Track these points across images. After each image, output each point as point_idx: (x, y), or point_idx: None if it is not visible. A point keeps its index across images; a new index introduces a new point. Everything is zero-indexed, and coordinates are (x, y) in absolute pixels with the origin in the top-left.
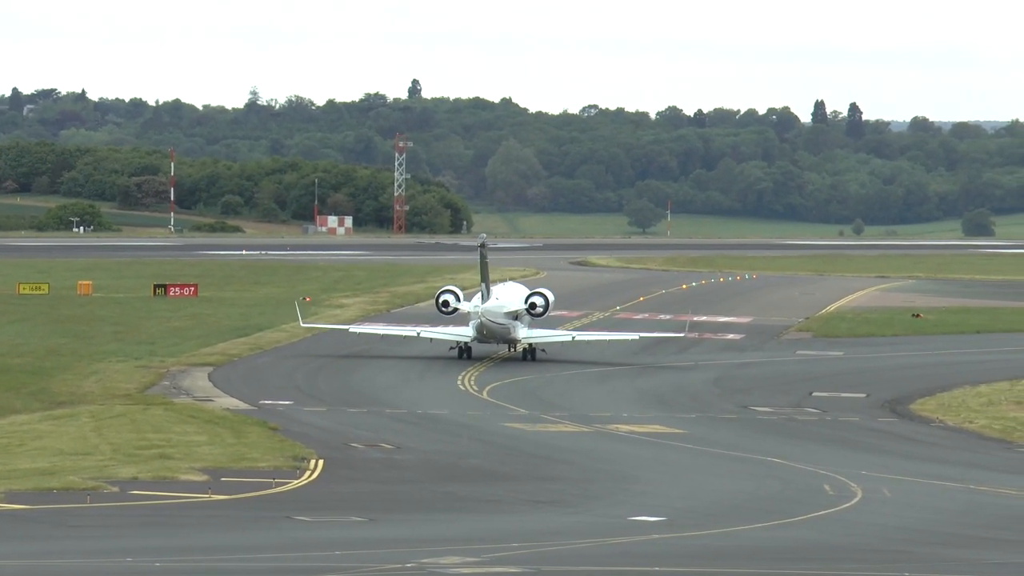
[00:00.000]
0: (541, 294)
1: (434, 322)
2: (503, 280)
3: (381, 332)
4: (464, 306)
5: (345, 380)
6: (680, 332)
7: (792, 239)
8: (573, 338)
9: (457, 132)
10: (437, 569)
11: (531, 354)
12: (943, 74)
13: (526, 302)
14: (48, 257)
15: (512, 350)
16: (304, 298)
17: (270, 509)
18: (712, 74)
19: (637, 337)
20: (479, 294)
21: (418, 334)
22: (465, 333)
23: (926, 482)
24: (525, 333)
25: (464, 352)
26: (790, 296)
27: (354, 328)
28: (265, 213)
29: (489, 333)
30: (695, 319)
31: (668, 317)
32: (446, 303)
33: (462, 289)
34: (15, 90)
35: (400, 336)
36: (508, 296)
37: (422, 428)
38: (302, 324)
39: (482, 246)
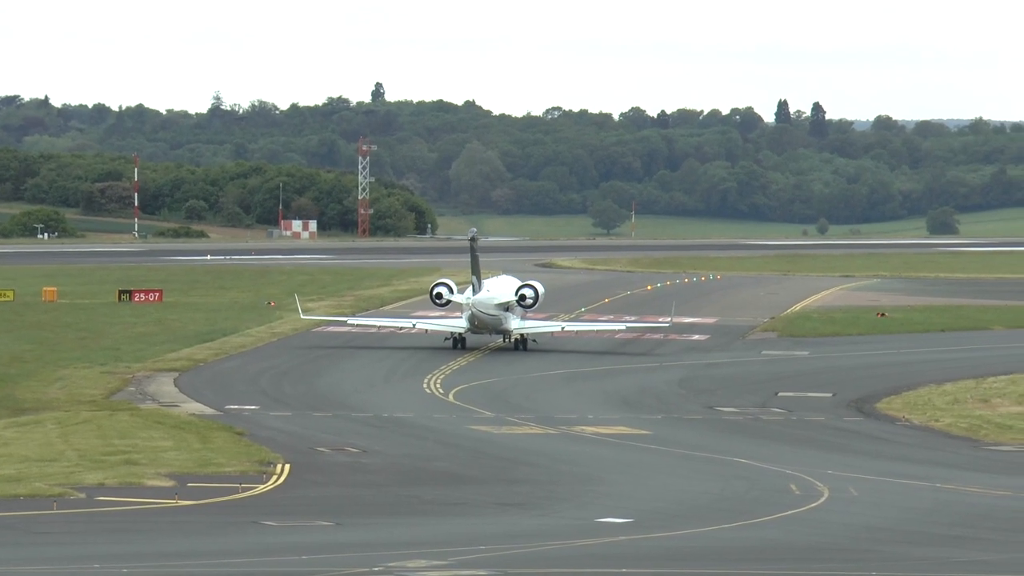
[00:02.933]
0: (531, 286)
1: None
2: (496, 274)
3: (378, 324)
4: (457, 298)
5: (311, 384)
6: (666, 321)
7: (756, 239)
8: (563, 328)
9: (421, 135)
10: (404, 573)
11: (523, 344)
12: (906, 73)
13: (516, 294)
14: (13, 264)
15: (505, 340)
16: (268, 302)
17: (237, 514)
18: (675, 75)
19: (624, 327)
20: (471, 286)
21: (414, 325)
22: (459, 324)
23: (892, 481)
24: (517, 324)
25: (459, 342)
26: (755, 296)
27: (352, 320)
28: (229, 218)
29: (481, 324)
30: (666, 320)
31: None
32: (439, 295)
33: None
34: None
35: (396, 327)
36: (499, 288)
37: (388, 431)
38: (302, 316)
39: (472, 240)
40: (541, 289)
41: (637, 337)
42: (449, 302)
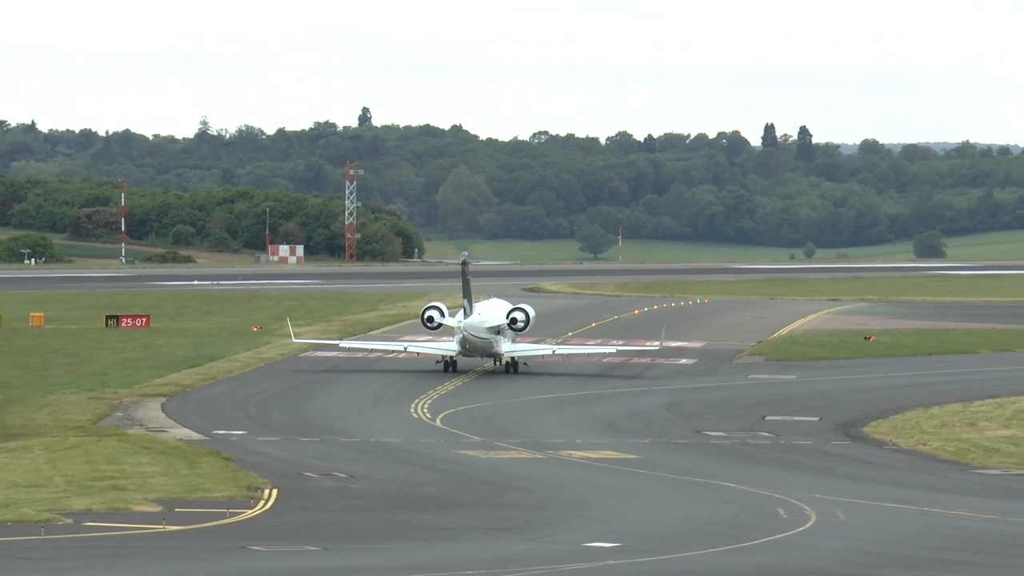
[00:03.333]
0: (522, 309)
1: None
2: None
3: (369, 347)
4: (448, 321)
5: (298, 410)
6: (655, 345)
7: (743, 263)
8: (553, 351)
9: (408, 159)
10: None
11: (514, 367)
12: (893, 96)
13: (508, 317)
14: (0, 289)
15: (496, 364)
16: (253, 328)
17: (225, 539)
18: (662, 99)
19: (615, 350)
20: (462, 309)
21: (405, 349)
22: (450, 347)
23: (880, 505)
24: (508, 347)
25: (450, 366)
26: (742, 320)
27: (344, 343)
28: (216, 243)
29: (472, 347)
30: (656, 344)
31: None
32: (431, 318)
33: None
34: None
35: (387, 351)
36: (490, 311)
37: (376, 457)
38: (294, 339)
39: (464, 264)
40: (532, 312)
41: (625, 361)
42: (440, 325)
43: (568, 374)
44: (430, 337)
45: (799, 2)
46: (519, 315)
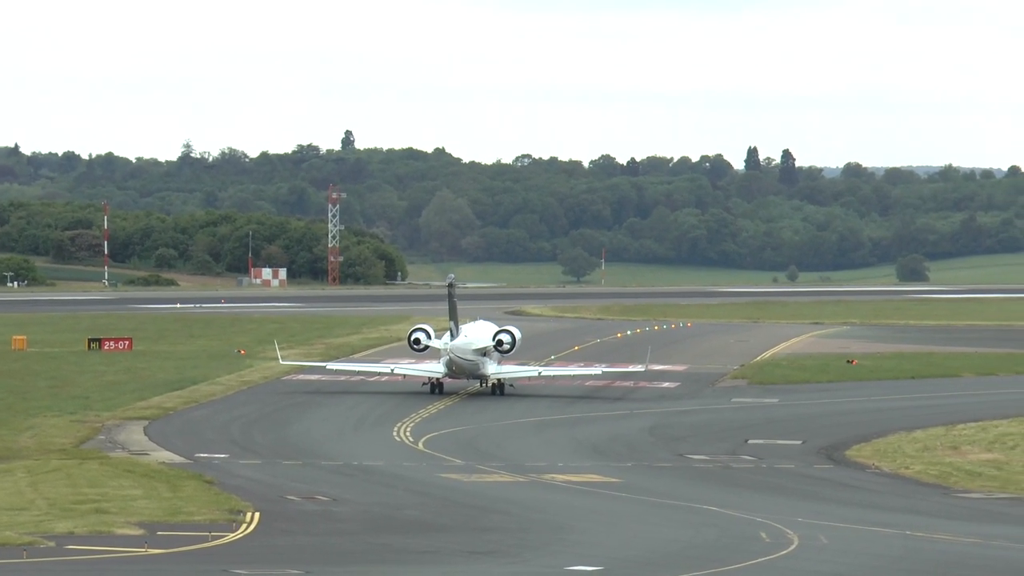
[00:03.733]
0: (509, 332)
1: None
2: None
3: (356, 369)
4: (435, 343)
5: (280, 433)
6: (641, 366)
7: (726, 286)
8: (540, 373)
9: (391, 182)
10: None
11: (500, 389)
12: (875, 120)
13: (494, 339)
14: None
15: (483, 385)
16: (238, 351)
17: (207, 562)
18: (645, 122)
19: (600, 372)
20: (449, 332)
21: (392, 371)
22: (437, 369)
23: (863, 528)
24: (494, 369)
25: (436, 387)
26: (725, 343)
27: (331, 365)
28: (199, 266)
29: (459, 369)
30: (637, 368)
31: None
32: (417, 340)
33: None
34: None
35: (374, 373)
36: (476, 333)
37: (358, 480)
38: (281, 361)
39: (450, 286)
40: (518, 335)
41: (608, 384)
42: (427, 347)
43: (554, 395)
44: (416, 359)
45: (782, 26)
46: (505, 337)
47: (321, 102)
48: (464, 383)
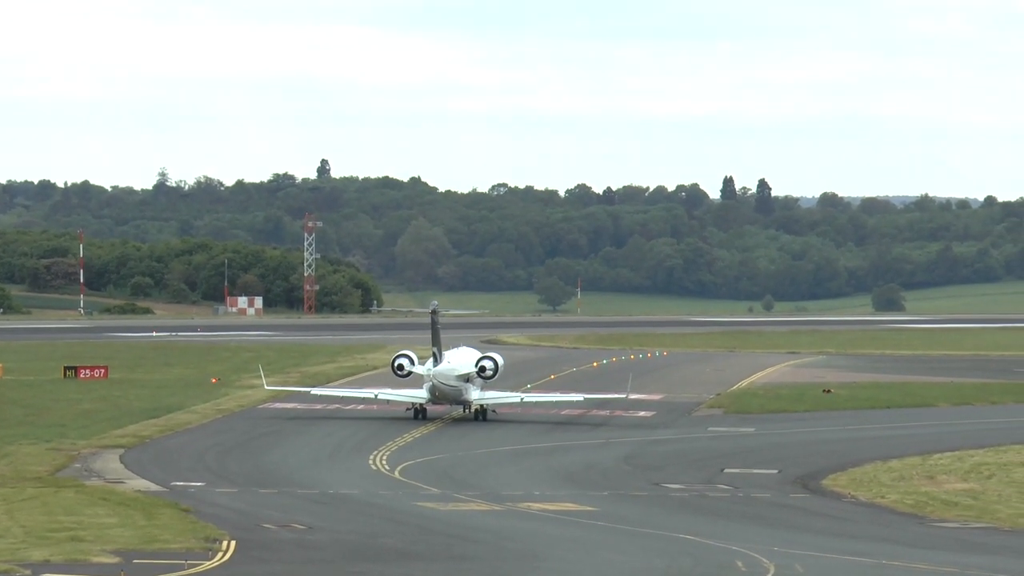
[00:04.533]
0: (491, 358)
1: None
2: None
3: (340, 394)
4: (418, 369)
5: (256, 461)
6: (622, 394)
7: (702, 316)
8: (522, 399)
9: (366, 211)
10: None
11: (483, 415)
12: (851, 150)
13: (476, 365)
14: None
15: (466, 411)
16: (212, 379)
17: None
18: (621, 151)
19: (582, 398)
20: (432, 358)
21: (376, 396)
22: (420, 395)
23: (839, 558)
24: (477, 395)
25: (419, 413)
26: (701, 373)
27: (315, 391)
28: (175, 294)
29: (442, 395)
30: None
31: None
32: (401, 366)
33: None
34: None
35: (357, 398)
36: (459, 360)
37: (334, 508)
38: (266, 387)
39: (434, 312)
40: (501, 361)
41: (584, 413)
42: (411, 373)
43: (533, 422)
44: (398, 386)
45: (758, 55)
46: (488, 363)
47: (297, 131)
48: (447, 409)
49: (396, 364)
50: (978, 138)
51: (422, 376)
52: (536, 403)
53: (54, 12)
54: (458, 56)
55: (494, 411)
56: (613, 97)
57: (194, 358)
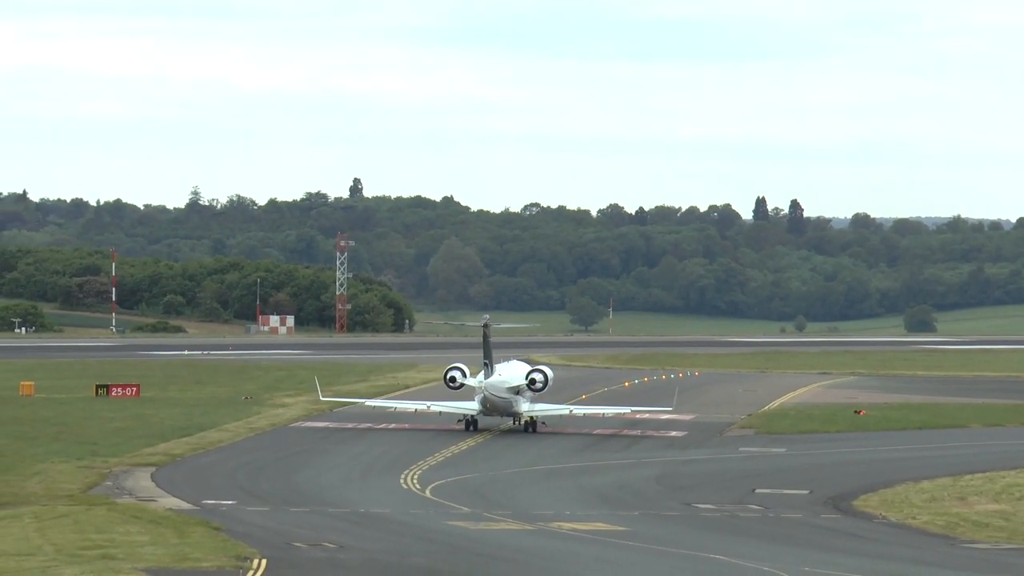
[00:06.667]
0: (541, 371)
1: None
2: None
3: (394, 405)
4: (470, 381)
5: (288, 480)
6: (668, 407)
7: (734, 336)
8: (571, 411)
9: (399, 231)
10: None
11: (532, 426)
12: (884, 171)
13: (527, 378)
14: None
15: (516, 423)
16: (245, 397)
17: None
18: (653, 172)
19: (629, 411)
20: (483, 370)
21: (428, 407)
22: (471, 407)
23: None
24: (527, 407)
25: (471, 424)
26: (733, 393)
27: (370, 402)
28: (207, 313)
29: (492, 407)
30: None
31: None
32: (453, 379)
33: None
34: None
35: (410, 410)
36: (510, 372)
37: (365, 527)
38: (321, 398)
39: (485, 327)
40: (551, 374)
41: (616, 433)
42: (463, 385)
43: (575, 435)
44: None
45: (791, 76)
46: (538, 376)
47: (330, 150)
48: (498, 420)
49: (448, 376)
50: (1011, 159)
51: (474, 388)
52: (584, 414)
53: (87, 30)
54: (491, 76)
55: (544, 423)
56: (646, 117)
57: (226, 377)
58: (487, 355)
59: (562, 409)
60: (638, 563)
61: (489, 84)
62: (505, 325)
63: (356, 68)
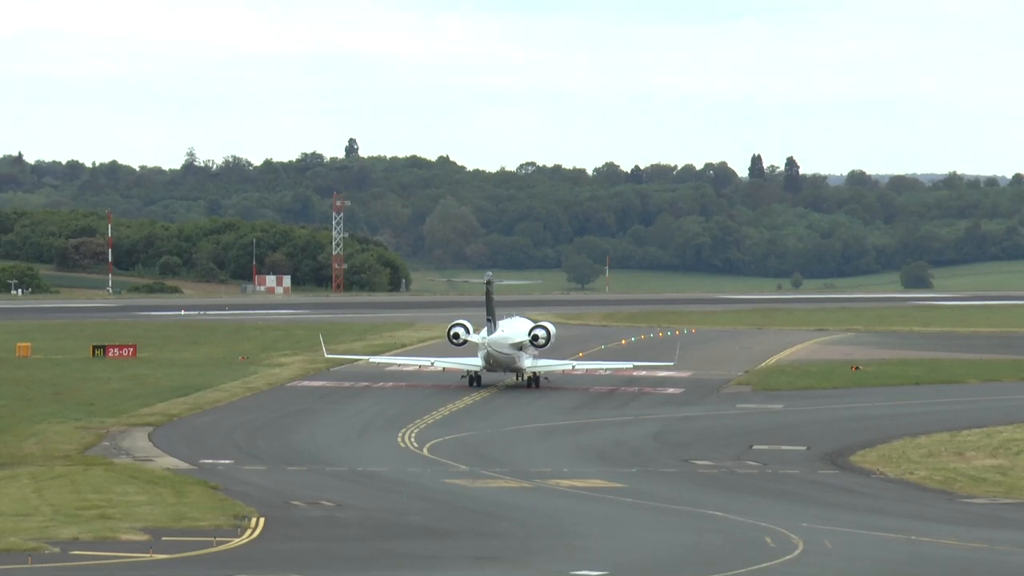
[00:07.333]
0: (544, 327)
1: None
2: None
3: (398, 362)
4: (473, 338)
5: (285, 439)
6: (671, 361)
7: (731, 293)
8: (573, 367)
9: (394, 191)
10: None
11: (535, 382)
12: (880, 127)
13: (530, 334)
14: None
15: (519, 378)
16: (242, 357)
17: (212, 568)
18: (649, 130)
19: (631, 366)
20: (487, 327)
21: (432, 364)
22: (475, 363)
23: (867, 533)
24: (530, 362)
25: (474, 380)
26: (729, 350)
27: (374, 359)
28: (203, 274)
29: (496, 363)
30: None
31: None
32: (457, 335)
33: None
34: None
35: (414, 366)
36: (513, 328)
37: (363, 486)
38: (326, 355)
39: (488, 283)
40: (553, 330)
41: (613, 390)
42: (466, 342)
43: (575, 390)
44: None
45: (786, 33)
46: (541, 332)
47: (325, 110)
48: (501, 376)
49: (452, 333)
50: (1007, 116)
51: (477, 345)
52: (586, 370)
53: None
54: (486, 35)
55: (546, 378)
56: (641, 75)
57: (223, 337)
58: (490, 312)
59: (564, 364)
60: (636, 520)
61: (485, 43)
62: (507, 282)
63: (352, 27)
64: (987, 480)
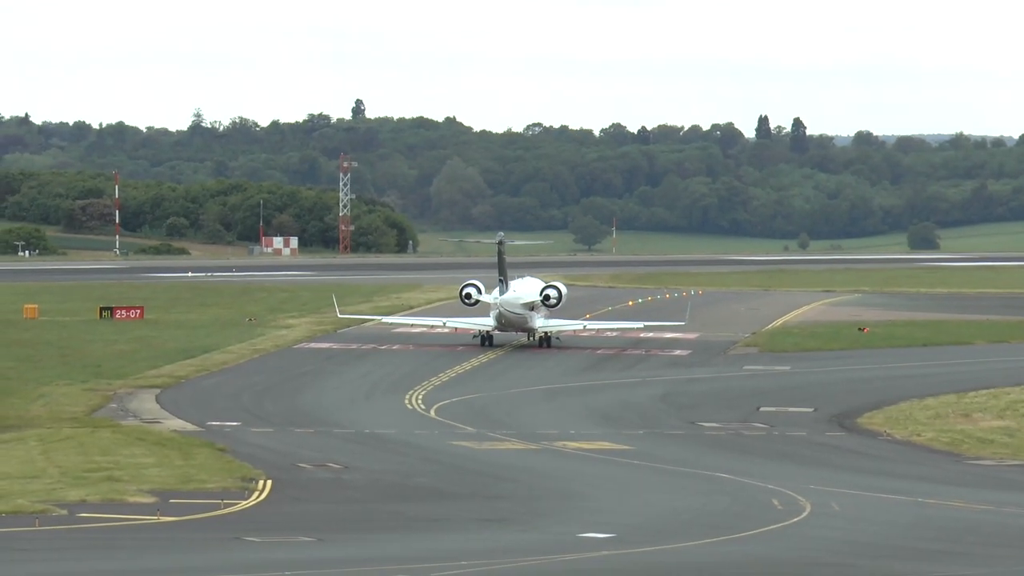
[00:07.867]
0: (555, 287)
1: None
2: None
3: (410, 322)
4: (485, 298)
5: (292, 401)
6: (681, 321)
7: (737, 255)
8: (584, 327)
9: (401, 152)
10: None
11: (547, 341)
12: (886, 88)
13: (541, 294)
14: None
15: (530, 338)
16: (249, 319)
17: (219, 530)
18: (656, 91)
19: (642, 325)
20: (498, 287)
21: (444, 324)
22: (487, 323)
23: (874, 495)
24: (542, 322)
25: (486, 340)
26: (736, 312)
27: (386, 319)
28: (210, 235)
29: (507, 323)
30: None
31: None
32: (468, 295)
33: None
34: None
35: (426, 326)
36: (524, 288)
37: (370, 448)
38: (339, 315)
39: (500, 243)
40: (565, 290)
41: (620, 352)
42: (478, 302)
43: (582, 351)
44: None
45: None
46: (552, 292)
47: (332, 71)
48: (512, 336)
49: (464, 293)
50: (1013, 76)
51: (489, 305)
52: (597, 330)
53: None
54: None
55: (558, 338)
56: (648, 36)
57: (230, 298)
58: (502, 272)
59: (576, 325)
60: (643, 482)
61: (492, 3)
62: (517, 243)
63: None
64: (994, 442)
